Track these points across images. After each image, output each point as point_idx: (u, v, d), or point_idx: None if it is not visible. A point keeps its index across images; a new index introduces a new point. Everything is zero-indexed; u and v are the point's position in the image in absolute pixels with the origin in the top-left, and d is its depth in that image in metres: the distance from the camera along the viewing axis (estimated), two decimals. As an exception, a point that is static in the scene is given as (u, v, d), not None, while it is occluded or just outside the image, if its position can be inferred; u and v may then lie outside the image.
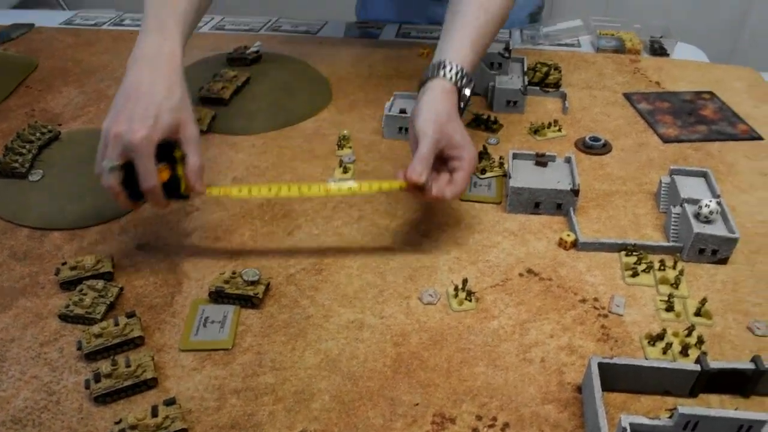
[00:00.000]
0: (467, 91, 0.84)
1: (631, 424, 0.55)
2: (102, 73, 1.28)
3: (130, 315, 0.72)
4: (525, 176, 0.89)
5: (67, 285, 0.79)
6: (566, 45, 1.34)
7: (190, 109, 0.76)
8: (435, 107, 0.79)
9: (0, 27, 1.49)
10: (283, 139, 1.05)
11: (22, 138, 0.98)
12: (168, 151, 0.74)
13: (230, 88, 1.10)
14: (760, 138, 1.05)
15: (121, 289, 0.78)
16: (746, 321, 0.74)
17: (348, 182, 0.77)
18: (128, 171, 0.72)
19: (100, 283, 0.76)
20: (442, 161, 0.79)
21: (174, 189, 0.74)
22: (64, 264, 0.80)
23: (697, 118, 1.09)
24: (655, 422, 0.57)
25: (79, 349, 0.70)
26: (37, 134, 1.00)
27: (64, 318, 0.74)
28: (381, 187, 0.76)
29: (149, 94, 0.72)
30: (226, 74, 1.12)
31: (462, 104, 0.84)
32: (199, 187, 0.75)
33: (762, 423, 0.55)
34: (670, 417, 0.57)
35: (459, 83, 0.82)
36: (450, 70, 0.81)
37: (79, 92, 1.22)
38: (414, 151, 0.78)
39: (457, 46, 0.84)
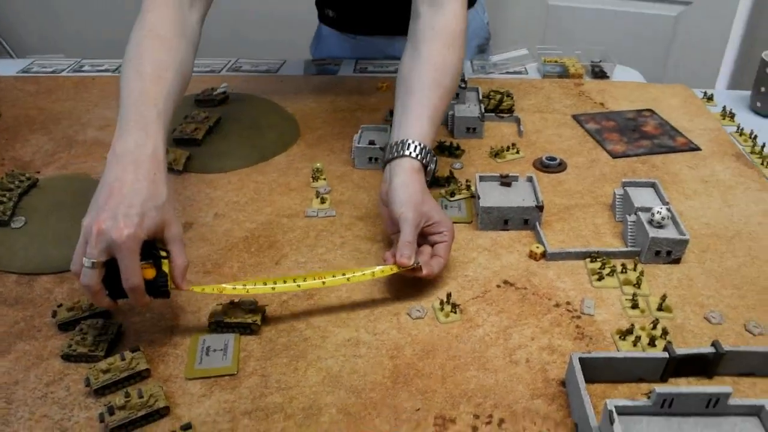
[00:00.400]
0: (432, 166, 0.90)
1: (615, 407, 0.61)
2: (68, 120, 1.30)
3: (135, 350, 0.75)
4: (492, 196, 0.96)
5: (65, 326, 0.81)
6: (514, 73, 1.44)
7: (173, 208, 0.78)
8: (409, 190, 0.84)
9: (-45, 79, 1.49)
10: (258, 175, 1.10)
11: (1, 186, 1.00)
12: (148, 248, 0.73)
13: (202, 128, 1.14)
14: (698, 149, 1.16)
15: (120, 326, 0.80)
16: (702, 312, 0.82)
17: (342, 276, 0.80)
18: (108, 269, 0.71)
19: (99, 322, 0.79)
20: (421, 236, 0.85)
21: (159, 286, 0.74)
22: (60, 306, 0.82)
23: (640, 134, 1.19)
24: (636, 403, 0.63)
25: (88, 385, 0.72)
26: (16, 182, 1.01)
27: (67, 357, 0.76)
28: (374, 274, 0.81)
29: (134, 192, 0.72)
30: (198, 115, 1.16)
31: (428, 179, 0.90)
32: (185, 286, 0.76)
33: (726, 394, 0.62)
34: (648, 398, 0.64)
35: (424, 159, 0.87)
36: (414, 149, 0.87)
37: (47, 139, 1.24)
38: (389, 228, 0.87)
39: (417, 124, 0.89)
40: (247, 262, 0.91)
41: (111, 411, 0.68)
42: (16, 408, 0.71)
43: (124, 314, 0.83)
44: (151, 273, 0.74)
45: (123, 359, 0.73)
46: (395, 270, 0.81)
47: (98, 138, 1.23)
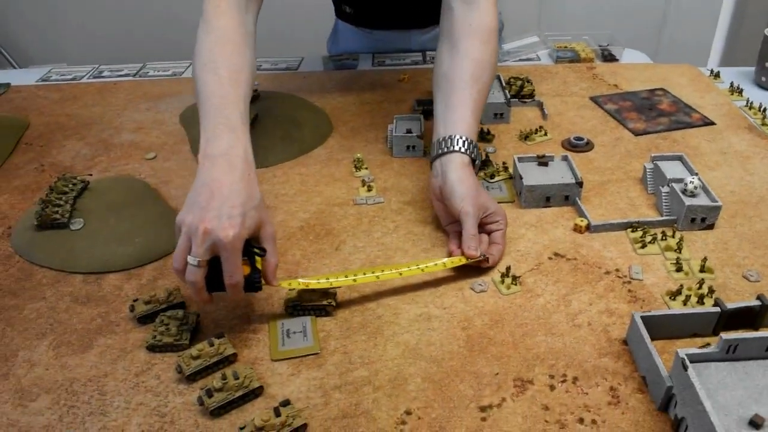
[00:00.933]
0: (478, 161, 0.96)
1: (687, 355, 0.67)
2: (99, 125, 1.33)
3: (220, 336, 0.79)
4: (533, 176, 1.01)
5: (144, 319, 0.84)
6: (527, 60, 1.49)
7: (265, 208, 0.83)
8: (465, 184, 0.89)
9: (-24, 91, 1.50)
10: (301, 167, 1.14)
11: (56, 190, 1.02)
12: (246, 246, 0.77)
13: (242, 125, 1.17)
14: (712, 123, 1.22)
15: (198, 315, 0.84)
16: (740, 271, 0.88)
17: (417, 267, 0.86)
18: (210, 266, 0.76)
19: (180, 312, 0.82)
20: (479, 225, 0.90)
21: (253, 282, 0.78)
22: (136, 300, 0.85)
23: (657, 112, 1.25)
24: (704, 350, 0.69)
25: (180, 372, 0.76)
26: (70, 185, 1.04)
27: (153, 348, 0.80)
28: (445, 264, 0.87)
29: (233, 192, 0.76)
30: (236, 113, 1.19)
31: (475, 171, 0.95)
32: (275, 282, 0.81)
33: (785, 339, 0.68)
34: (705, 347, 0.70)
35: (472, 154, 0.93)
36: (463, 144, 0.92)
37: (83, 144, 1.26)
38: (445, 220, 0.94)
39: (461, 120, 0.95)
40: (308, 250, 0.95)
41: (209, 393, 0.71)
42: (111, 398, 0.74)
43: (198, 304, 0.86)
44: (246, 269, 0.78)
45: (211, 345, 0.77)
46: (463, 261, 0.87)
47: (134, 141, 1.26)
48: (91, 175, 1.10)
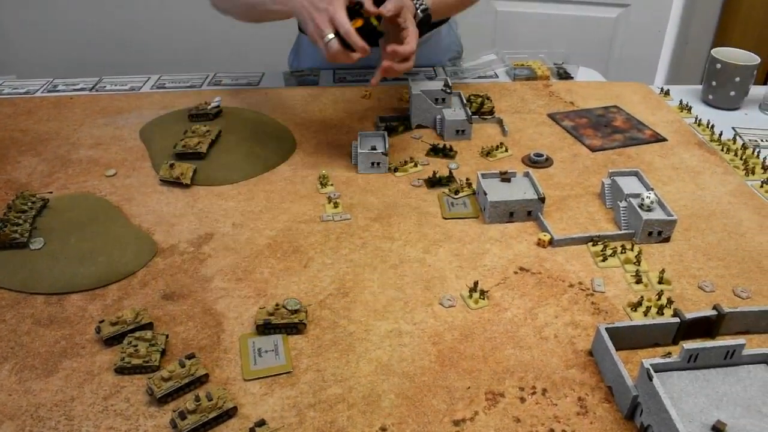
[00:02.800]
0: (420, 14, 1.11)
1: (651, 365, 0.69)
2: (56, 140, 1.29)
3: (190, 356, 0.78)
4: (497, 192, 1.04)
5: (111, 341, 0.82)
6: (486, 77, 1.53)
7: None
8: None
9: None
10: (266, 184, 1.14)
11: (15, 209, 1.00)
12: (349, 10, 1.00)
13: (205, 142, 1.16)
14: (664, 139, 1.27)
15: (167, 336, 0.83)
16: (696, 282, 0.92)
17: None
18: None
19: (148, 333, 0.81)
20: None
21: (369, 33, 1.01)
22: (102, 322, 0.84)
23: (612, 128, 1.30)
24: (667, 360, 0.72)
25: (151, 394, 0.75)
26: (29, 203, 1.01)
27: (122, 370, 0.78)
28: None
29: None
30: (199, 130, 1.19)
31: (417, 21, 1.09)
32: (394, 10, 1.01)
33: (741, 346, 0.72)
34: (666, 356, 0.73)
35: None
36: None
37: (39, 160, 1.23)
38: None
39: None
40: (276, 267, 0.95)
41: (183, 416, 0.71)
42: (79, 423, 0.73)
43: (167, 325, 0.85)
44: (359, 22, 1.00)
45: (182, 366, 0.76)
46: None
47: (92, 157, 1.23)
48: (51, 192, 1.07)
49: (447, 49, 1.61)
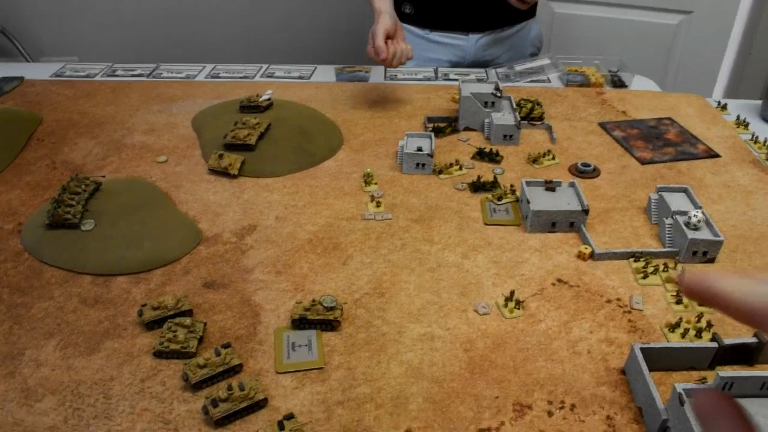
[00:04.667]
0: None
1: (684, 390, 0.68)
2: (112, 125, 1.34)
3: (226, 346, 0.80)
4: (540, 200, 1.03)
5: (152, 324, 0.85)
6: (538, 81, 1.51)
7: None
8: None
9: (-11, 82, 1.51)
10: (311, 179, 1.15)
11: (69, 190, 1.04)
12: None
13: (255, 134, 1.18)
14: (717, 156, 1.24)
15: (205, 324, 0.85)
16: (740, 308, 0.89)
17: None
18: None
19: (188, 320, 0.84)
20: None
21: None
22: (144, 305, 0.87)
23: (664, 141, 1.27)
24: (702, 386, 0.70)
25: (186, 380, 0.77)
26: (83, 186, 1.05)
27: (160, 354, 0.81)
28: None
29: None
30: (249, 122, 1.21)
31: None
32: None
33: (782, 379, 0.70)
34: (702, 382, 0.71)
35: None
36: None
37: (95, 143, 1.27)
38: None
39: None
40: (316, 263, 0.96)
41: (215, 403, 0.73)
42: (116, 403, 0.76)
43: (206, 313, 0.88)
44: None
45: (218, 354, 0.78)
46: None
47: (146, 143, 1.27)
48: (103, 176, 1.11)
49: (530, 44, 1.68)
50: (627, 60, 1.54)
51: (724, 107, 1.43)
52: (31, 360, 0.81)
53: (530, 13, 1.58)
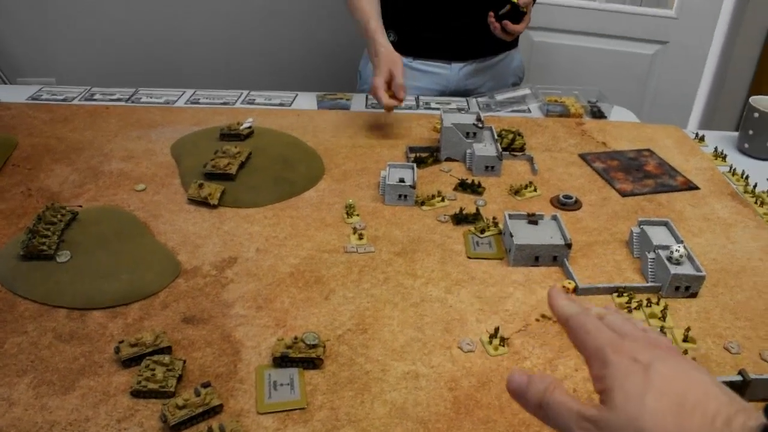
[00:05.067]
0: None
1: None
2: (89, 150, 1.31)
3: (206, 385, 0.78)
4: (523, 234, 1.03)
5: (129, 362, 0.83)
6: (518, 111, 1.52)
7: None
8: None
9: (-37, 106, 1.48)
10: (292, 210, 1.14)
11: (44, 220, 1.01)
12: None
13: (235, 163, 1.17)
14: (696, 188, 1.25)
15: (185, 361, 0.83)
16: (722, 342, 0.90)
17: None
18: None
19: (166, 358, 0.81)
20: None
21: (515, 14, 1.42)
22: (121, 342, 0.84)
23: (644, 173, 1.28)
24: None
25: (164, 421, 0.75)
26: (58, 216, 1.03)
27: (137, 394, 0.78)
28: None
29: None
30: (229, 150, 1.19)
31: None
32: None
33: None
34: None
35: None
36: None
37: (72, 170, 1.25)
38: None
39: None
40: (297, 297, 0.95)
41: (194, 446, 0.71)
42: (92, 444, 0.73)
43: (185, 349, 0.86)
44: (509, 7, 1.43)
45: (198, 394, 0.76)
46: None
47: (123, 170, 1.25)
48: (80, 206, 1.09)
49: (512, 74, 1.70)
50: (604, 89, 1.57)
51: (701, 139, 1.45)
52: (3, 399, 0.78)
53: (513, 43, 1.60)
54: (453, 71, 1.60)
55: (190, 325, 0.90)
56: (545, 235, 1.03)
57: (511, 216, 1.06)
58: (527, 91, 1.55)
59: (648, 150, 1.37)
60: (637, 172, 1.29)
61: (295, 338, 0.84)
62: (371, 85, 1.34)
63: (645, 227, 1.06)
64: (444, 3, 1.51)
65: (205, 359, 0.84)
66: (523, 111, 1.53)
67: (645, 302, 0.96)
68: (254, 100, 1.54)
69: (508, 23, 1.44)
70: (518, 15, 1.45)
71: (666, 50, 2.23)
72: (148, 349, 0.83)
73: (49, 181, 1.21)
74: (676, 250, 0.98)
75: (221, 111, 1.48)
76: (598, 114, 1.52)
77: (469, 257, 1.04)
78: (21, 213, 1.12)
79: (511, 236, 1.01)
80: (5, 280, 0.96)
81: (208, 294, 0.95)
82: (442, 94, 1.63)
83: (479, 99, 1.57)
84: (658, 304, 0.96)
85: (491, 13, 1.45)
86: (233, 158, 1.18)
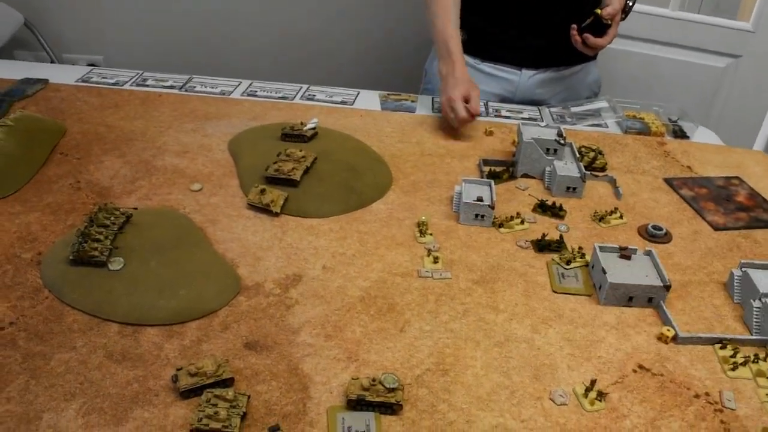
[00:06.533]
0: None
1: None
2: (141, 142, 1.24)
3: (275, 429, 0.70)
4: (616, 271, 0.93)
5: (188, 393, 0.75)
6: (595, 126, 1.42)
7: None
8: None
9: (9, 82, 1.40)
10: (359, 223, 1.05)
11: (97, 222, 0.93)
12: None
13: (300, 168, 1.09)
14: (794, 225, 1.14)
15: (249, 397, 0.75)
16: (841, 413, 0.80)
17: None
18: None
19: (230, 393, 0.74)
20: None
21: (598, 26, 1.35)
22: (179, 370, 0.76)
23: (735, 204, 1.18)
24: None
25: (229, 468, 0.67)
26: (111, 218, 0.95)
27: (198, 432, 0.71)
28: None
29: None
30: (294, 154, 1.11)
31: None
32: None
33: None
34: None
35: None
36: None
37: (122, 162, 1.17)
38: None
39: None
40: (369, 327, 0.86)
41: (264, 502, 0.63)
42: (147, 488, 0.66)
43: (248, 381, 0.78)
44: (592, 17, 1.35)
45: (267, 440, 0.68)
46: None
47: (178, 166, 1.17)
48: (135, 208, 1.01)
49: (587, 88, 1.59)
50: (667, 100, 1.46)
51: (793, 168, 1.34)
52: (50, 427, 0.71)
53: (593, 54, 1.48)
54: (522, 78, 1.49)
55: (253, 352, 0.82)
56: (640, 272, 0.94)
57: (601, 248, 0.96)
58: (604, 104, 1.45)
59: (737, 178, 1.27)
60: (728, 203, 1.18)
61: (373, 380, 0.75)
62: (447, 96, 1.29)
63: (748, 270, 0.96)
64: (522, 4, 1.41)
65: (271, 394, 0.76)
66: (600, 125, 1.43)
67: (752, 357, 0.86)
68: (314, 96, 1.46)
69: (589, 36, 1.35)
70: (602, 27, 1.35)
71: (738, 64, 2.11)
72: (210, 380, 0.76)
73: (99, 174, 1.14)
74: (788, 301, 0.88)
75: (280, 106, 1.39)
76: (680, 134, 1.41)
77: (554, 291, 0.95)
78: (69, 208, 1.05)
79: (604, 272, 0.92)
80: (53, 285, 0.89)
81: (272, 316, 0.87)
82: (509, 100, 1.53)
83: (552, 110, 1.47)
84: (766, 360, 0.86)
85: (574, 26, 1.34)
86: (298, 162, 1.10)
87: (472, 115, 1.28)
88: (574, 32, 1.35)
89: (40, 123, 1.23)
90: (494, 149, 1.30)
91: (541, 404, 0.77)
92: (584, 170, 1.16)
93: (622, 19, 1.39)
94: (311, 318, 0.87)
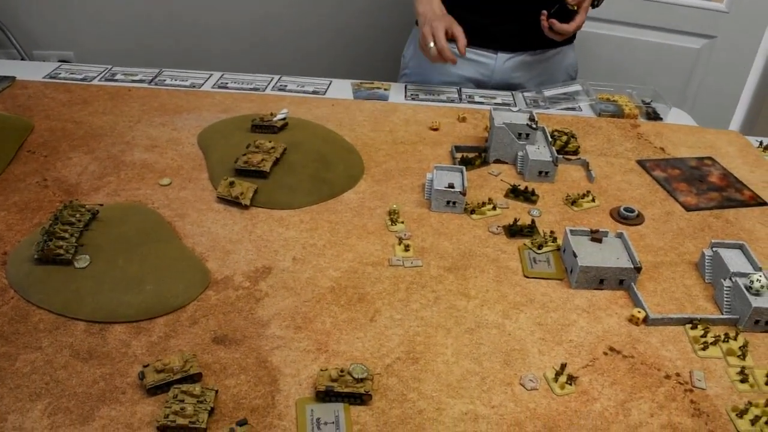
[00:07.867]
0: None
1: None
2: (109, 137, 1.22)
3: (242, 423, 0.70)
4: (587, 254, 0.93)
5: (155, 390, 0.74)
6: (568, 109, 1.41)
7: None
8: None
9: (-25, 81, 1.38)
10: (330, 214, 1.05)
11: (62, 220, 0.92)
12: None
13: (270, 159, 1.08)
14: (765, 203, 1.15)
15: (217, 391, 0.74)
16: (810, 389, 0.81)
17: None
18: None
19: (197, 388, 0.73)
20: None
21: (565, 13, 1.34)
22: (146, 366, 0.76)
23: (707, 185, 1.18)
24: None
25: (196, 464, 0.67)
26: (77, 215, 0.94)
27: (164, 429, 0.70)
28: None
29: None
30: (263, 145, 1.10)
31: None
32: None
33: None
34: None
35: None
36: None
37: (90, 159, 1.15)
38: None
39: None
40: (340, 317, 0.86)
41: (231, 496, 0.62)
42: (114, 486, 0.65)
43: (216, 375, 0.77)
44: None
45: (233, 434, 0.68)
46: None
47: (147, 161, 1.15)
48: (101, 205, 1.00)
49: (564, 71, 1.58)
50: (643, 82, 1.46)
51: (766, 148, 1.35)
52: (15, 429, 0.70)
53: (569, 38, 1.47)
54: (498, 62, 1.49)
55: (222, 346, 0.81)
56: (611, 255, 0.94)
57: (572, 232, 0.96)
58: (578, 87, 1.44)
59: (710, 158, 1.27)
60: (701, 183, 1.19)
61: (342, 371, 0.75)
62: (431, 24, 1.32)
63: (719, 250, 0.96)
64: None
65: (240, 388, 0.76)
66: (574, 109, 1.42)
67: (722, 337, 0.86)
68: (286, 86, 1.44)
69: (555, 22, 1.35)
70: (568, 14, 1.34)
71: (713, 45, 2.11)
72: (177, 375, 0.75)
73: (67, 171, 1.12)
74: (757, 280, 0.88)
75: (251, 97, 1.38)
76: (653, 116, 1.41)
77: (526, 276, 0.94)
78: (36, 207, 1.03)
79: (575, 256, 0.92)
80: (19, 285, 0.88)
81: (241, 309, 0.86)
82: (484, 85, 1.52)
83: (526, 94, 1.46)
84: (736, 339, 0.86)
85: (544, 12, 1.34)
86: (267, 154, 1.09)
87: (453, 60, 1.32)
88: (543, 18, 1.35)
89: (6, 121, 1.21)
90: (467, 135, 1.29)
91: (512, 390, 0.77)
92: (556, 154, 1.15)
93: (595, 6, 1.39)
94: (281, 310, 0.86)
